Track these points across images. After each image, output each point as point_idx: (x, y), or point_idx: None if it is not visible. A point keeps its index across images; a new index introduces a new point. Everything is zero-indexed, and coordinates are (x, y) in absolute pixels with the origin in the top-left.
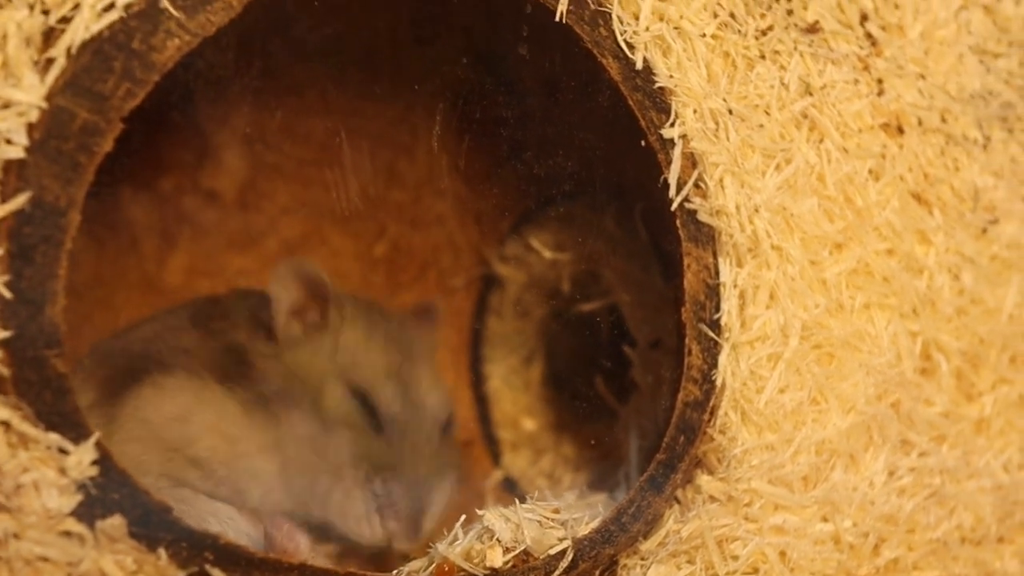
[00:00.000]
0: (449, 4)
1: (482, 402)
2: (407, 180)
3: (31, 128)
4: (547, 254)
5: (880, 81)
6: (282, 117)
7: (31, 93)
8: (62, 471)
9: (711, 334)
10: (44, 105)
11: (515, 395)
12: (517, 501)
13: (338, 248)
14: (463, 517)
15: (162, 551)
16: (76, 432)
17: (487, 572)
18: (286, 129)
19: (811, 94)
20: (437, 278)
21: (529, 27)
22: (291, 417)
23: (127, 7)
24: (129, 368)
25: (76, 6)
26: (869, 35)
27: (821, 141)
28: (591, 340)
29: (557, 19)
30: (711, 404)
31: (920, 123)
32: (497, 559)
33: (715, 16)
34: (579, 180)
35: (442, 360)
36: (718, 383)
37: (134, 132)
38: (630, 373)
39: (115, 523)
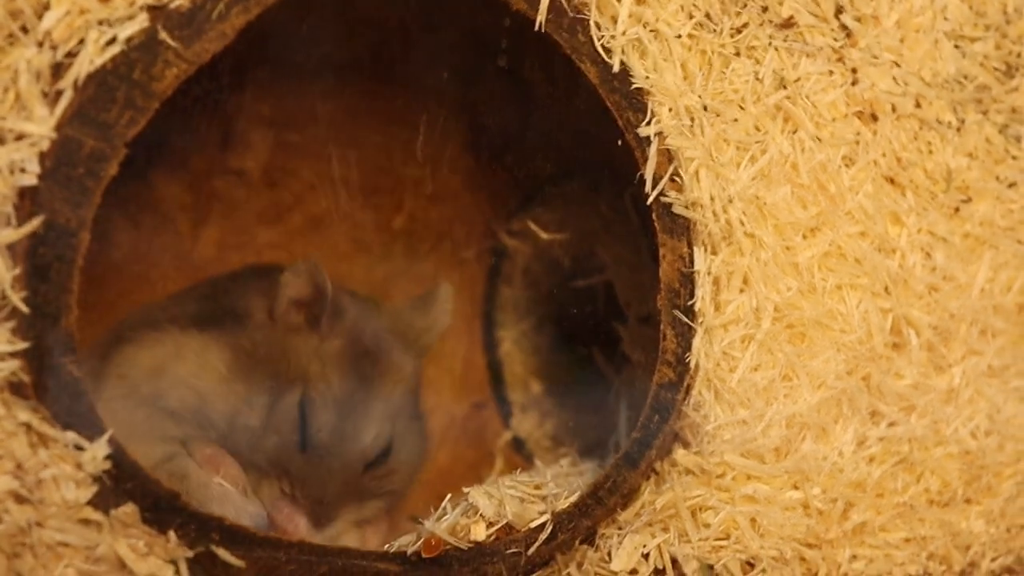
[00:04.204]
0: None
1: (495, 365)
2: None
3: (43, 157)
4: (544, 235)
5: (854, 71)
6: (302, 101)
7: (42, 125)
8: (79, 466)
9: (685, 319)
10: (54, 135)
11: (525, 358)
12: (500, 480)
13: (360, 221)
14: (449, 496)
15: (172, 534)
16: (91, 430)
17: (471, 546)
18: (307, 111)
19: (785, 87)
20: (452, 249)
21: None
22: (260, 384)
23: (128, 40)
24: (125, 331)
25: (81, 41)
26: (844, 27)
27: (795, 132)
28: (590, 313)
29: (536, 29)
30: (685, 384)
31: (894, 109)
32: (481, 533)
33: (691, 17)
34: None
35: (456, 328)
36: (692, 365)
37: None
38: (621, 347)
39: (128, 510)
